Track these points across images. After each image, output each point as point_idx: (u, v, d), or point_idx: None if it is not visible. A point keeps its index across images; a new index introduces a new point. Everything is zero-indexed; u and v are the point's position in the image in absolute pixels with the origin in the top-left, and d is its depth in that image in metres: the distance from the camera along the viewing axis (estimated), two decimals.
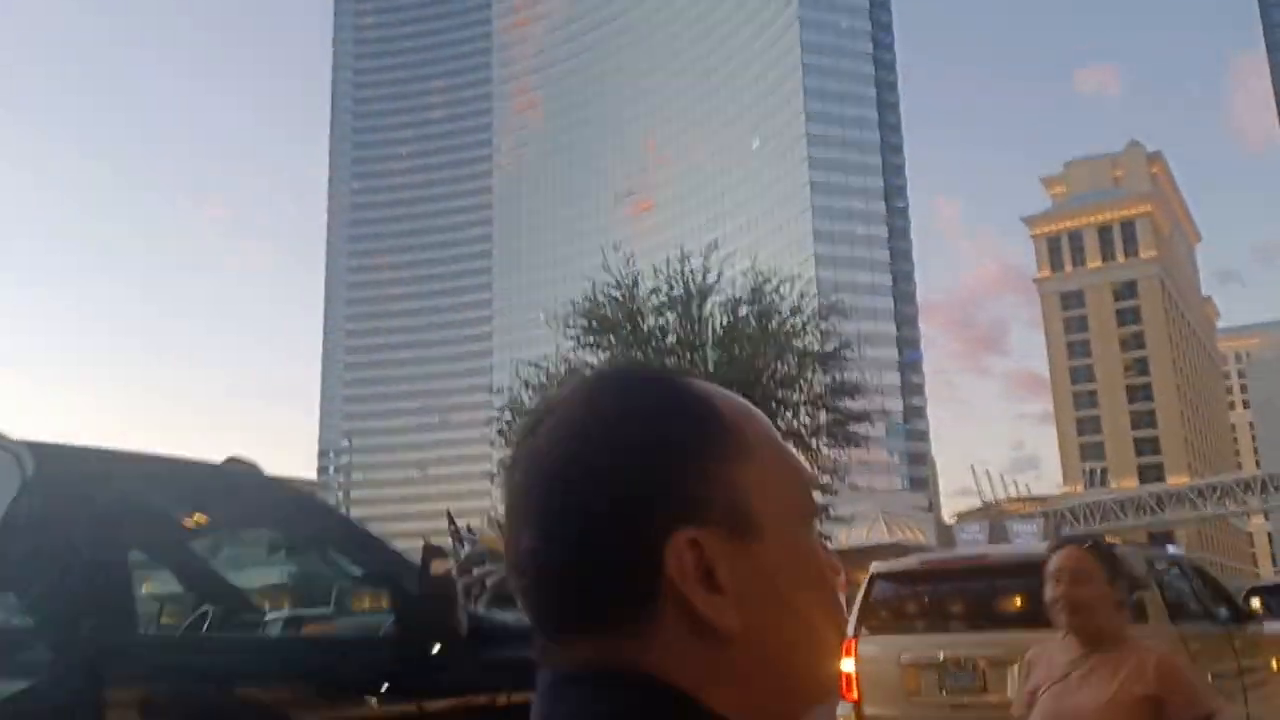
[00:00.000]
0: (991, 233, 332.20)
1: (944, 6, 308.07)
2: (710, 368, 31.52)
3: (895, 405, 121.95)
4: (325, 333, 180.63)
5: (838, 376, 31.51)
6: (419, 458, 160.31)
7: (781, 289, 31.75)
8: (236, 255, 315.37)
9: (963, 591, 8.23)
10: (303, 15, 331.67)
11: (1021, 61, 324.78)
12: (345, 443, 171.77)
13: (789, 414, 32.09)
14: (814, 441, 31.62)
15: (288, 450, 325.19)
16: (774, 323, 31.42)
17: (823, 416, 31.93)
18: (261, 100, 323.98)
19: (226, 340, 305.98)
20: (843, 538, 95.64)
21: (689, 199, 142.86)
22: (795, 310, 31.63)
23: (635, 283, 32.20)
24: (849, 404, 32.18)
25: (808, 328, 31.60)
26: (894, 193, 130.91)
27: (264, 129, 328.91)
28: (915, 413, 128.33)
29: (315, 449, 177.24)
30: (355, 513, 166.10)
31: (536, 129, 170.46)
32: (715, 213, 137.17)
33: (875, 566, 8.59)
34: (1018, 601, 7.63)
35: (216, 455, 4.19)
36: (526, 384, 31.45)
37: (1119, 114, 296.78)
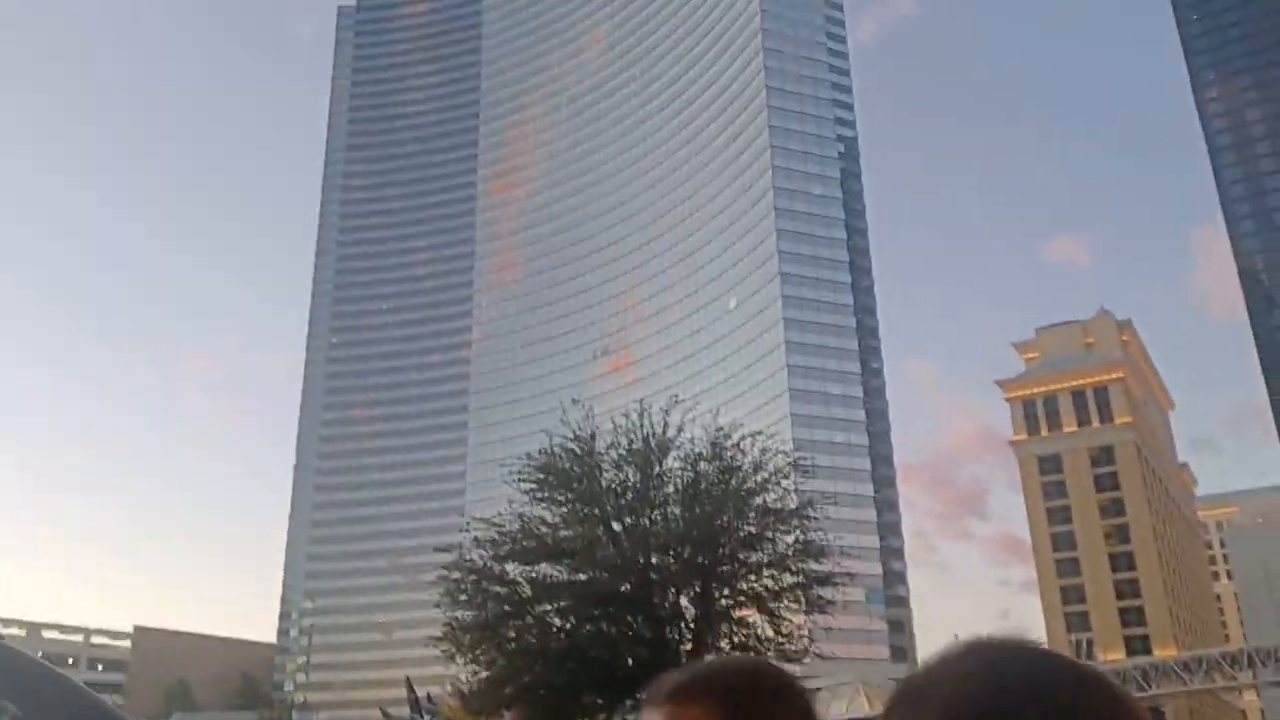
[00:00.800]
0: (968, 395, 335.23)
1: (915, 175, 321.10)
2: (670, 524, 30.29)
3: (874, 569, 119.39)
4: (294, 490, 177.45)
5: (802, 536, 30.22)
6: (384, 620, 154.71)
7: (743, 445, 30.84)
8: (211, 414, 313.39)
9: None
10: (290, 172, 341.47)
11: (992, 227, 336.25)
12: (308, 604, 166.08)
13: (751, 577, 30.66)
14: (777, 606, 30.05)
15: (253, 614, 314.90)
16: (735, 479, 30.36)
17: (787, 579, 30.46)
18: (246, 255, 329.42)
19: (197, 500, 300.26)
20: (822, 711, 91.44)
21: (665, 357, 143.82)
22: (757, 466, 30.61)
23: (593, 436, 31.27)
24: (815, 566, 30.74)
25: (769, 485, 30.51)
26: (869, 353, 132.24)
27: (246, 285, 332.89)
28: (895, 578, 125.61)
29: (277, 613, 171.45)
30: (313, 677, 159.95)
31: (516, 288, 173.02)
32: (691, 371, 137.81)
33: None
34: None
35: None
36: (476, 540, 30.02)
37: (1089, 281, 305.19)
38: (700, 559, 30.09)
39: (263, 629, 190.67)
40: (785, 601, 30.02)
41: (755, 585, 30.42)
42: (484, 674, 30.24)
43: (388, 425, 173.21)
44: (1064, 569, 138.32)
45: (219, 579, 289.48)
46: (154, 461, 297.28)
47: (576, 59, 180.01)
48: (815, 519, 30.93)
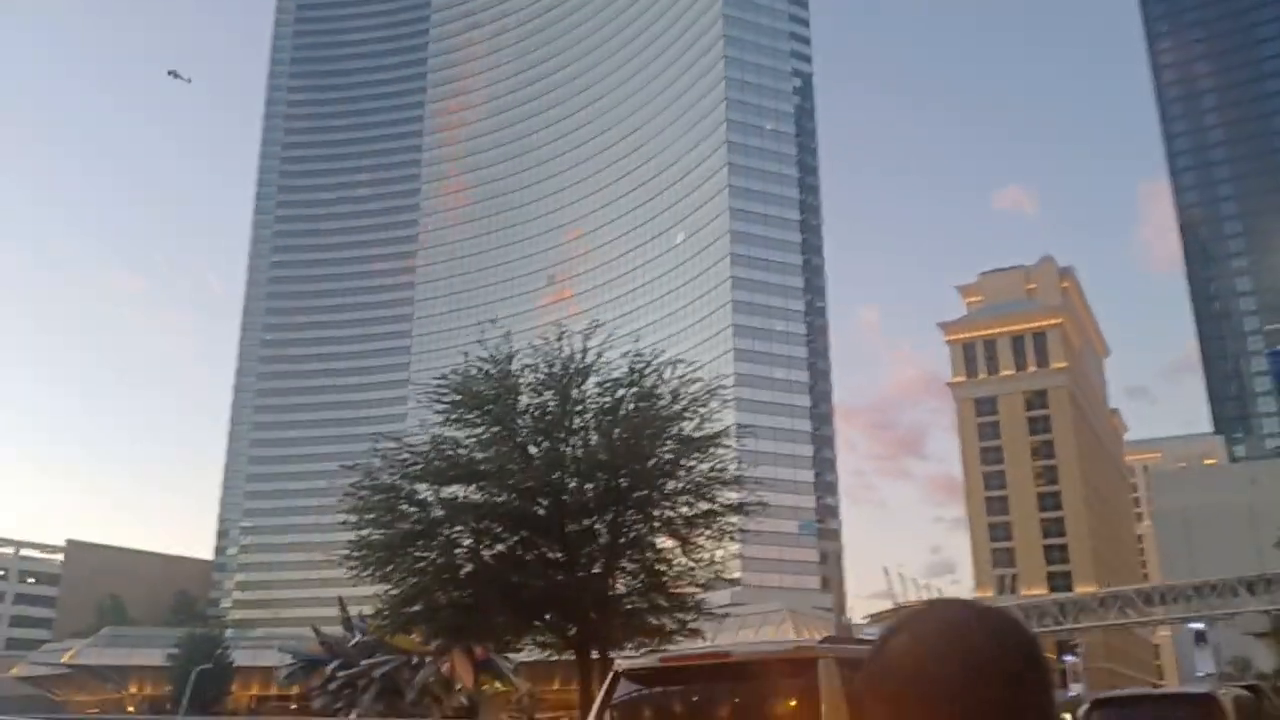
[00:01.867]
0: (911, 339, 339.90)
1: (869, 118, 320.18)
2: (588, 450, 30.19)
3: (808, 503, 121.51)
4: (233, 410, 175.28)
5: (718, 465, 30.31)
6: (320, 540, 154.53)
7: (663, 372, 30.68)
8: (152, 329, 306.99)
9: (704, 691, 7.02)
10: (232, 91, 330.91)
11: (942, 176, 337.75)
12: (246, 523, 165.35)
13: (666, 504, 30.75)
14: (689, 532, 30.22)
15: (190, 530, 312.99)
16: (654, 406, 30.26)
17: (702, 506, 30.61)
18: (186, 166, 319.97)
19: (134, 419, 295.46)
20: (750, 637, 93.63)
21: (612, 288, 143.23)
22: (676, 395, 30.50)
23: (510, 358, 30.91)
24: (729, 494, 30.90)
25: (687, 412, 30.46)
26: (814, 293, 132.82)
27: (187, 198, 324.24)
28: (828, 511, 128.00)
29: (214, 530, 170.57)
30: (248, 595, 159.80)
31: (462, 212, 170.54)
32: (638, 303, 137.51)
33: (618, 663, 7.27)
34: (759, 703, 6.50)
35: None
36: (383, 456, 29.71)
37: (1035, 230, 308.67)
38: (614, 484, 30.10)
39: (200, 549, 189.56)
40: (698, 529, 30.15)
41: (669, 513, 30.50)
42: (394, 593, 30.14)
43: (328, 348, 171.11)
44: (994, 507, 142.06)
45: (156, 498, 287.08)
46: (90, 381, 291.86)
47: None
48: (729, 447, 30.99)
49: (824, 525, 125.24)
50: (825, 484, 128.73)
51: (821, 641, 7.46)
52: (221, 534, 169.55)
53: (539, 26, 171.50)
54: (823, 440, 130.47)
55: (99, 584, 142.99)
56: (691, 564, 30.51)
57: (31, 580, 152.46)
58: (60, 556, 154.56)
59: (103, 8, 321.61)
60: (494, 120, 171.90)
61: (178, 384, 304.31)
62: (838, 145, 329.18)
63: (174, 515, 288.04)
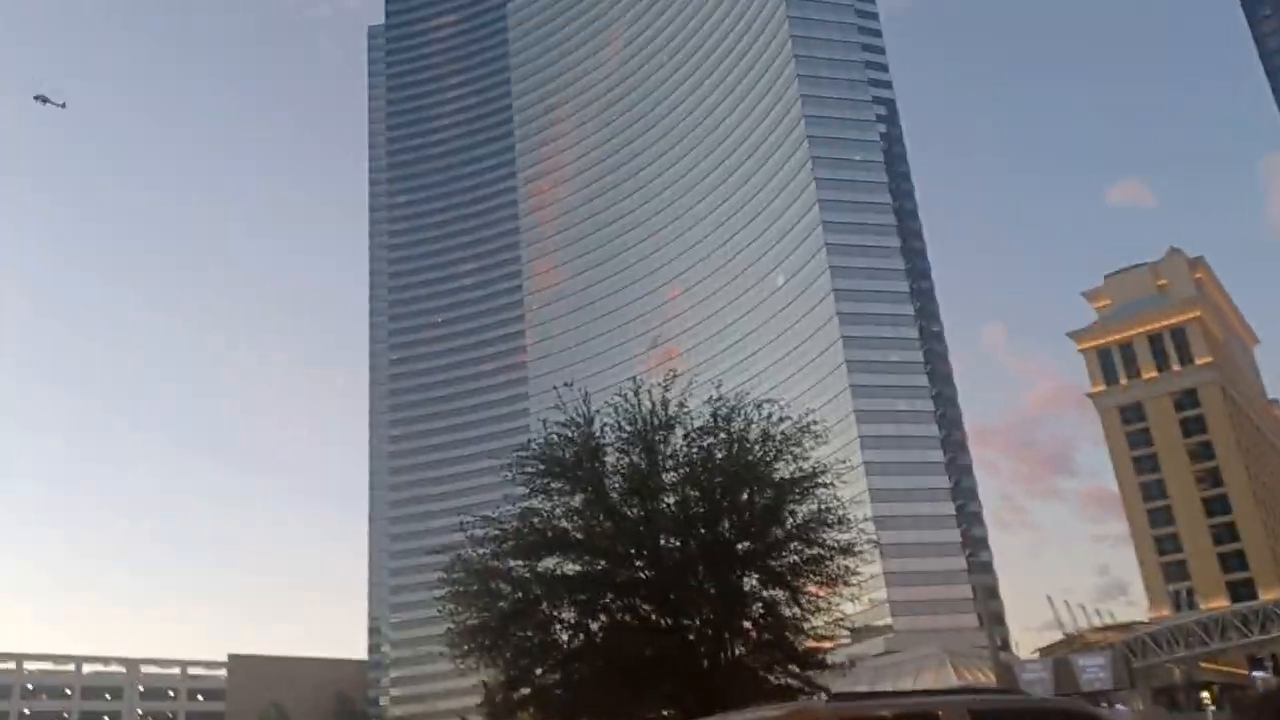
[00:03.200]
0: (1041, 351, 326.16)
1: (962, 134, 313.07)
2: (683, 506, 28.74)
3: (951, 536, 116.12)
4: (370, 503, 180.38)
5: (818, 506, 28.39)
6: None
7: (750, 414, 29.12)
8: (286, 436, 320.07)
9: None
10: (336, 201, 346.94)
11: (1050, 179, 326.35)
12: (394, 618, 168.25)
13: (771, 554, 28.92)
14: (798, 582, 28.28)
15: (346, 630, 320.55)
16: (745, 451, 28.67)
17: (807, 551, 28.68)
18: (301, 284, 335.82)
19: (277, 530, 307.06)
20: (909, 684, 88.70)
21: (717, 342, 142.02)
22: (765, 437, 28.86)
23: (590, 420, 29.86)
24: (837, 535, 28.86)
25: (781, 453, 28.74)
26: (927, 318, 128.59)
27: (307, 297, 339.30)
28: (976, 543, 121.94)
29: (366, 628, 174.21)
30: (404, 690, 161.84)
31: (564, 287, 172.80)
32: (746, 353, 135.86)
33: None
34: None
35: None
36: (472, 538, 28.84)
37: (1156, 222, 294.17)
38: (715, 538, 28.53)
39: (356, 649, 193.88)
40: (805, 577, 28.20)
41: (775, 563, 28.68)
42: (500, 679, 29.06)
43: (452, 435, 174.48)
44: (1157, 519, 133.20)
45: (307, 602, 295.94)
46: (233, 493, 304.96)
47: (601, 54, 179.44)
48: (830, 485, 29.02)
49: (974, 558, 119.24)
50: (969, 514, 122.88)
51: (839, 699, 6.01)
52: (373, 631, 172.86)
53: (617, 95, 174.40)
54: (959, 469, 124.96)
55: (262, 693, 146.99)
56: (806, 615, 28.51)
57: (200, 697, 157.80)
58: (223, 671, 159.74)
59: (207, 118, 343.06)
60: (585, 191, 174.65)
61: (317, 480, 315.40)
62: (931, 165, 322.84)
63: (329, 617, 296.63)
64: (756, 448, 28.70)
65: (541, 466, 29.45)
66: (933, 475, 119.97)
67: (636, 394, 29.27)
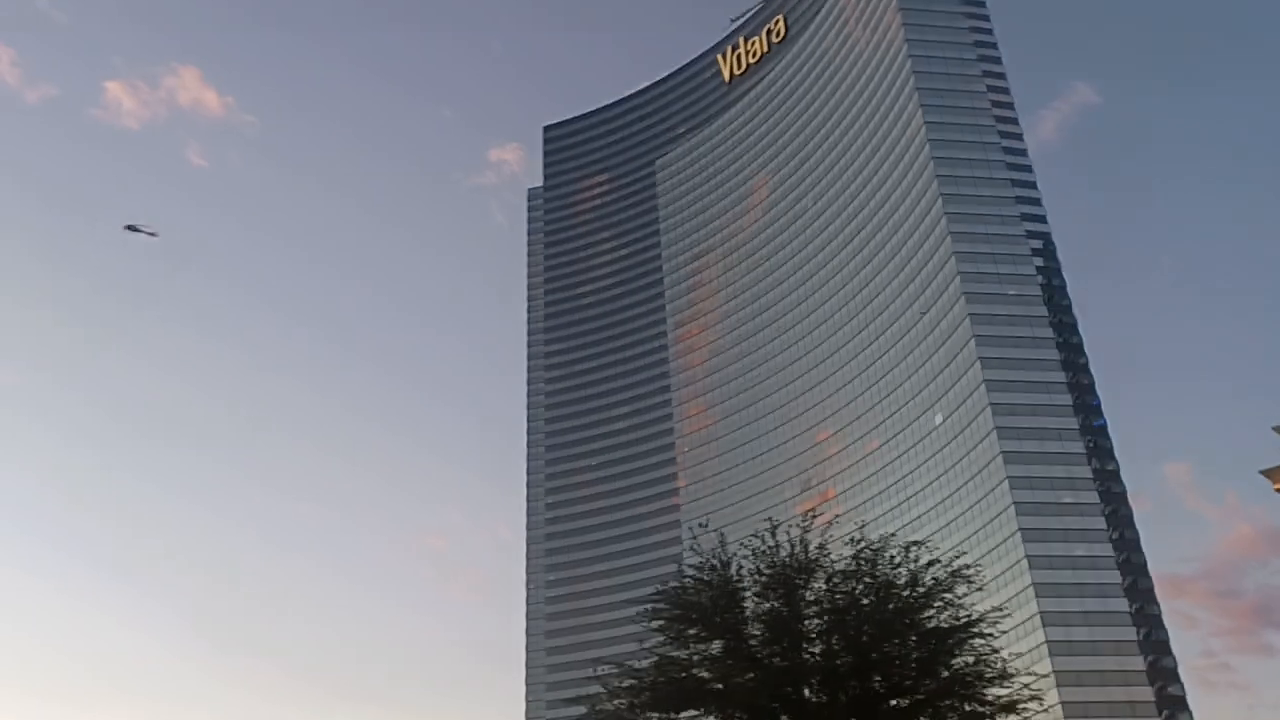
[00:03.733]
0: (1235, 490, 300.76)
1: (1127, 261, 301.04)
2: (829, 655, 27.13)
3: (1143, 695, 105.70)
4: (527, 653, 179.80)
5: (973, 659, 26.33)
6: None
7: (896, 558, 27.61)
8: (440, 592, 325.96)
9: None
10: (497, 346, 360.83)
11: (1226, 303, 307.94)
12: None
13: (926, 710, 26.79)
14: None
15: None
16: (893, 598, 27.07)
17: (966, 708, 26.48)
18: (462, 436, 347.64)
19: (436, 682, 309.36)
20: None
21: (874, 484, 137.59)
22: (914, 581, 27.23)
23: (726, 563, 28.95)
24: (997, 690, 26.59)
25: (932, 600, 27.00)
26: (1100, 454, 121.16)
27: (465, 466, 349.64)
28: (1173, 703, 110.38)
29: None
30: None
31: (714, 430, 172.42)
32: (904, 496, 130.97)
33: None
34: None
35: None
36: (606, 689, 27.91)
37: None
38: (866, 691, 26.75)
39: None
40: None
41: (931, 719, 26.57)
42: None
43: (605, 582, 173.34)
44: None
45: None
46: (395, 650, 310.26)
47: (747, 202, 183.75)
48: (990, 635, 26.94)
49: None
50: (1162, 670, 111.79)
51: None
52: None
53: (764, 240, 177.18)
54: (1148, 620, 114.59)
55: None
56: None
57: None
58: None
59: (380, 275, 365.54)
60: (733, 334, 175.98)
61: (476, 633, 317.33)
62: (1095, 296, 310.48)
63: None
64: (905, 593, 27.10)
65: (677, 612, 28.60)
66: (1117, 627, 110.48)
67: (774, 534, 28.30)
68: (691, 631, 28.62)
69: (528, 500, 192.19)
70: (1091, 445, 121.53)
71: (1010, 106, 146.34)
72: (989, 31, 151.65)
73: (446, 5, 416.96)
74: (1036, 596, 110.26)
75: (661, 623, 28.87)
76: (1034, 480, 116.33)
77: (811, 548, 28.34)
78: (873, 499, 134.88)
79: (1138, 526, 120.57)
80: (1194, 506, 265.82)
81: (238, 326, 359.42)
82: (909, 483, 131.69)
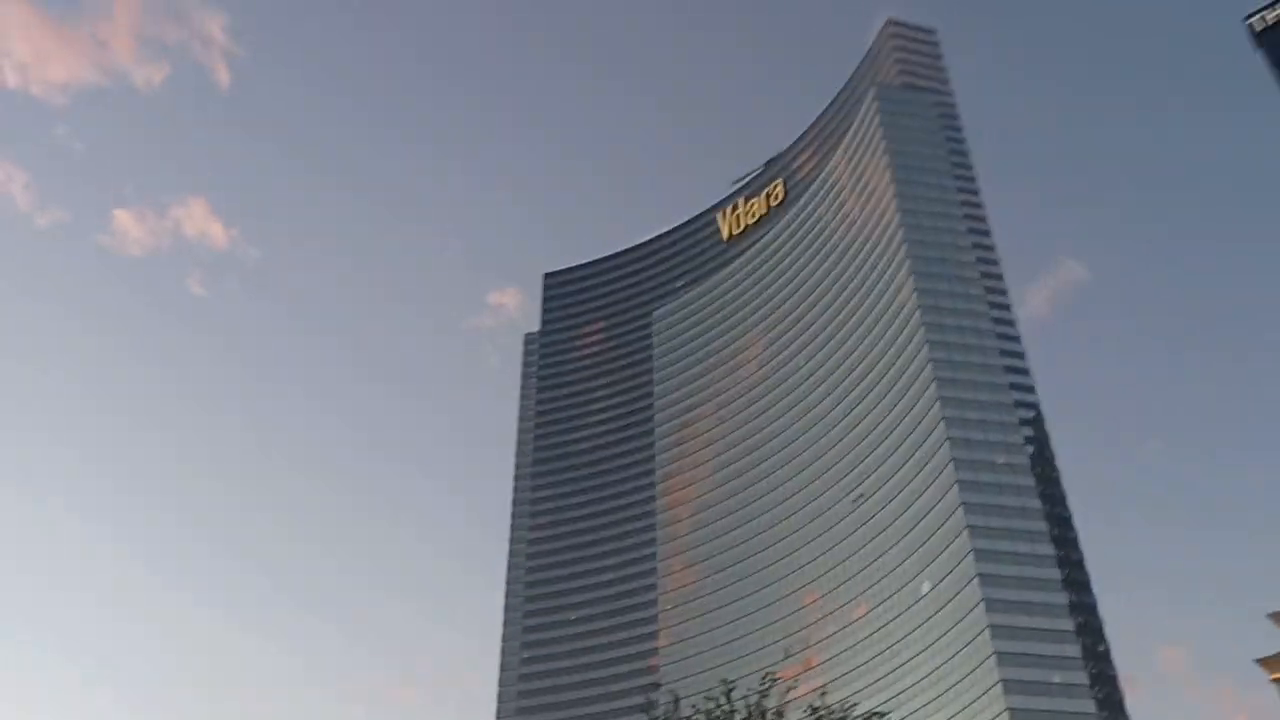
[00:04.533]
0: (1231, 678, 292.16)
1: (1120, 437, 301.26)
2: None
3: None
4: None
5: None
6: None
7: None
8: None
9: None
10: (483, 493, 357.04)
11: (1218, 486, 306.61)
12: None
13: None
14: None
15: None
16: None
17: None
18: (440, 589, 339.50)
19: None
20: None
21: (858, 654, 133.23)
22: None
23: None
24: None
25: None
26: (1090, 633, 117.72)
27: (439, 620, 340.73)
28: None
29: None
30: None
31: (695, 589, 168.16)
32: (888, 667, 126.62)
33: None
34: None
35: None
36: None
37: None
38: None
39: None
40: None
41: None
42: None
43: None
44: None
45: None
46: None
47: (741, 357, 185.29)
48: None
49: None
50: None
51: None
52: None
53: (755, 397, 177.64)
54: None
55: None
56: None
57: None
58: None
59: (374, 418, 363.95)
60: (720, 490, 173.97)
61: None
62: (1087, 481, 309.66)
63: None
64: None
65: None
66: None
67: (728, 697, 26.78)
68: None
69: (501, 655, 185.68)
70: (1082, 624, 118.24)
71: (1000, 279, 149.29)
72: (979, 205, 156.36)
73: (457, 146, 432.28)
74: None
75: None
76: (1022, 658, 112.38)
77: (770, 714, 26.76)
78: (859, 667, 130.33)
79: (1128, 712, 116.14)
80: (1188, 692, 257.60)
81: (221, 458, 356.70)
82: (896, 652, 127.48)
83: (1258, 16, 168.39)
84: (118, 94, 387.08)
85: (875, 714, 26.56)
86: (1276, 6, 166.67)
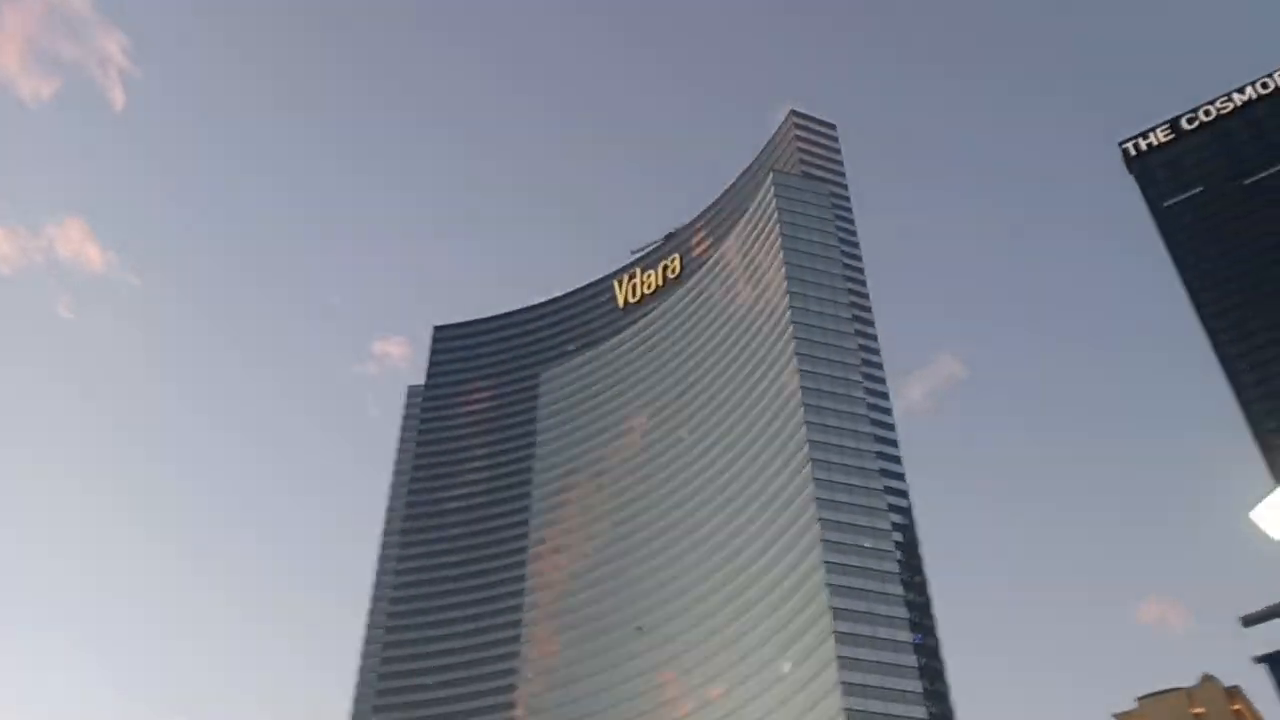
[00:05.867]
0: None
1: (976, 541, 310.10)
2: None
3: None
4: None
5: None
6: None
7: None
8: None
9: None
10: (353, 545, 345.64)
11: (1073, 593, 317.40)
12: None
13: None
14: None
15: None
16: None
17: None
18: (300, 627, 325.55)
19: None
20: None
21: None
22: None
23: None
24: None
25: None
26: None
27: (298, 659, 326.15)
28: None
29: None
30: None
31: (557, 659, 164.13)
32: None
33: None
34: None
35: None
36: None
37: (1184, 646, 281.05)
38: None
39: None
40: None
41: None
42: None
43: None
44: None
45: None
46: None
47: (620, 428, 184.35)
48: None
49: None
50: None
51: None
52: None
53: (635, 467, 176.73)
54: None
55: None
56: None
57: None
58: None
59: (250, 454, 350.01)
60: (588, 561, 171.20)
61: None
62: (949, 581, 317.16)
63: None
64: None
65: None
66: None
67: None
68: None
69: (354, 704, 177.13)
70: (934, 714, 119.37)
71: (880, 367, 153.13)
72: (865, 296, 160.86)
73: (354, 189, 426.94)
74: None
75: None
76: None
77: None
78: None
79: None
80: None
81: (76, 489, 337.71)
82: None
83: (1131, 143, 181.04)
84: (0, 104, 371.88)
85: None
86: (1149, 135, 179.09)
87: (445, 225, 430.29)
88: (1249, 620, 18.22)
